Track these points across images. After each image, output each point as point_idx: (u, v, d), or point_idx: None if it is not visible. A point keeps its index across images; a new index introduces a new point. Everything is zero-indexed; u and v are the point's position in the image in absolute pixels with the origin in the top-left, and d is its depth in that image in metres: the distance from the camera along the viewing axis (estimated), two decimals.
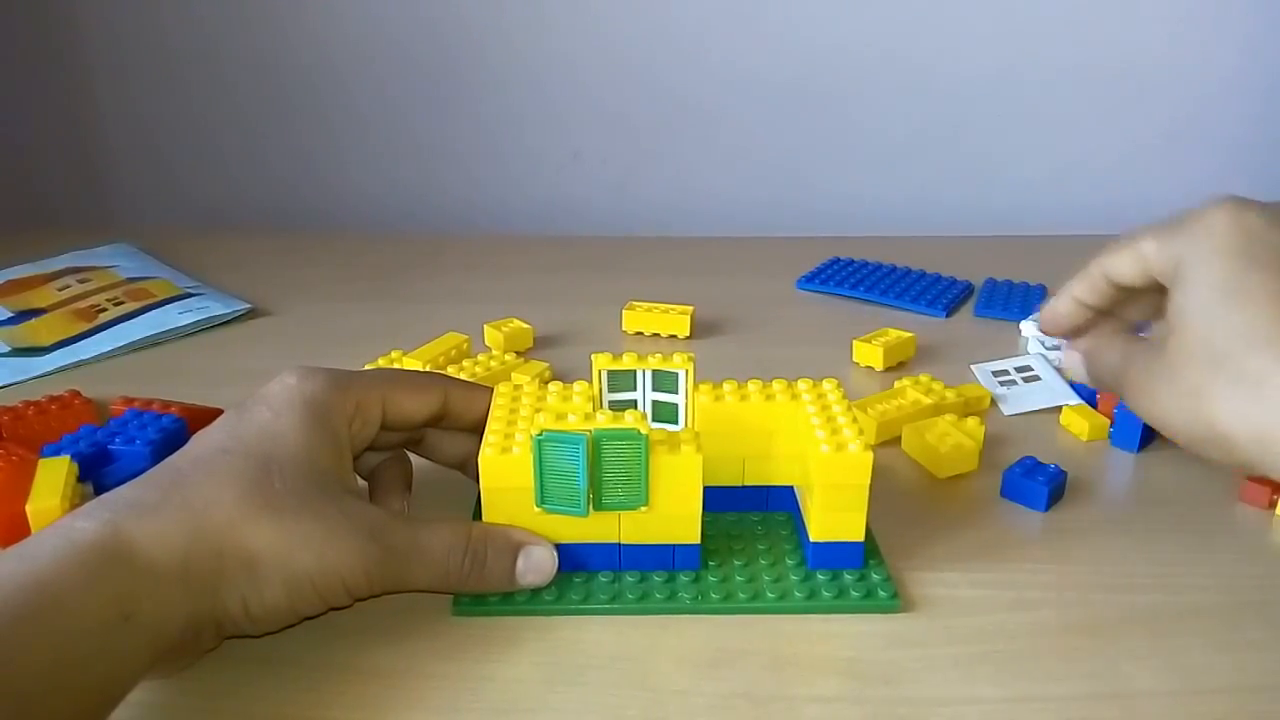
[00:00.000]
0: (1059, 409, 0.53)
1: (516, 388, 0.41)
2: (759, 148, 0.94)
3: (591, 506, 0.37)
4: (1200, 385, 0.33)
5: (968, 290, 0.72)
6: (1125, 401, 0.38)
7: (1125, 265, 0.37)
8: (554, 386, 0.41)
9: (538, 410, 0.38)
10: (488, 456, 0.36)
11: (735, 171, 0.95)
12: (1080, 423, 0.51)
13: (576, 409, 0.38)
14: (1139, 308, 0.41)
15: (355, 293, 0.74)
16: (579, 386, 0.41)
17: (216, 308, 0.68)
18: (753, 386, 0.42)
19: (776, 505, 0.43)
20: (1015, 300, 0.69)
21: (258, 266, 0.79)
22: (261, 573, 0.32)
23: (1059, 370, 0.45)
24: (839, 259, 0.78)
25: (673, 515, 0.37)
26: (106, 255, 0.78)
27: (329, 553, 0.33)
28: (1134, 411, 0.37)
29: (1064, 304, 0.41)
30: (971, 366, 0.59)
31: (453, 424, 0.42)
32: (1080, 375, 0.42)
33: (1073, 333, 0.42)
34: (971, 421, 0.49)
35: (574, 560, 0.38)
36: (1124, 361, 0.38)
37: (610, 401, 0.41)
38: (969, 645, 0.36)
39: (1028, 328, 0.62)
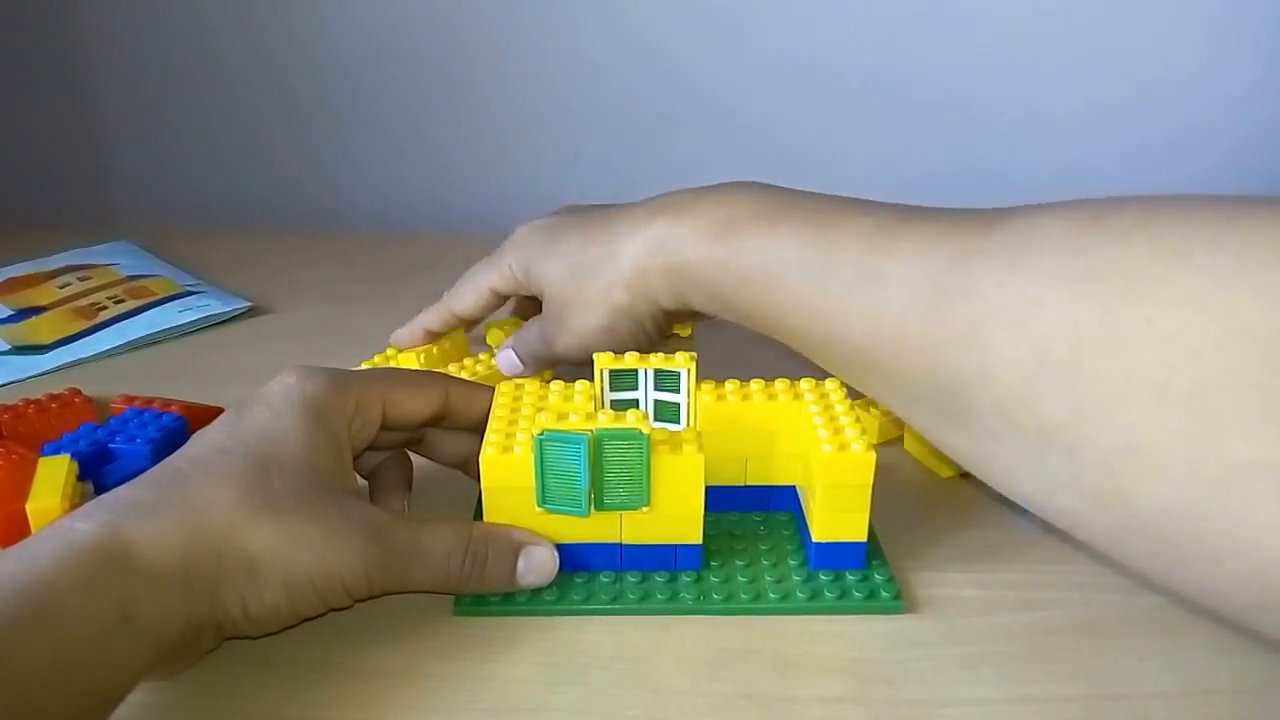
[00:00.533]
0: None
1: (518, 387, 0.41)
2: (761, 147, 0.94)
3: (593, 506, 0.37)
4: (581, 294, 0.46)
5: None
6: (558, 350, 0.48)
7: (471, 300, 0.53)
8: (555, 386, 0.41)
9: (539, 410, 0.38)
10: (489, 456, 0.36)
11: (739, 170, 0.94)
12: None
13: (578, 408, 0.38)
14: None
15: (357, 292, 0.74)
16: (580, 386, 0.41)
17: (217, 306, 0.68)
18: (755, 386, 0.41)
19: (779, 505, 0.43)
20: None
21: (259, 265, 0.79)
22: (261, 574, 0.32)
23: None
24: None
25: (674, 515, 0.37)
26: (107, 253, 0.78)
27: (329, 553, 0.33)
28: (564, 352, 0.48)
29: (418, 334, 0.56)
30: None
31: (453, 423, 0.42)
32: (516, 366, 0.51)
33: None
34: None
35: (575, 560, 0.38)
36: (540, 328, 0.49)
37: (612, 401, 0.41)
38: (972, 645, 0.36)
39: None
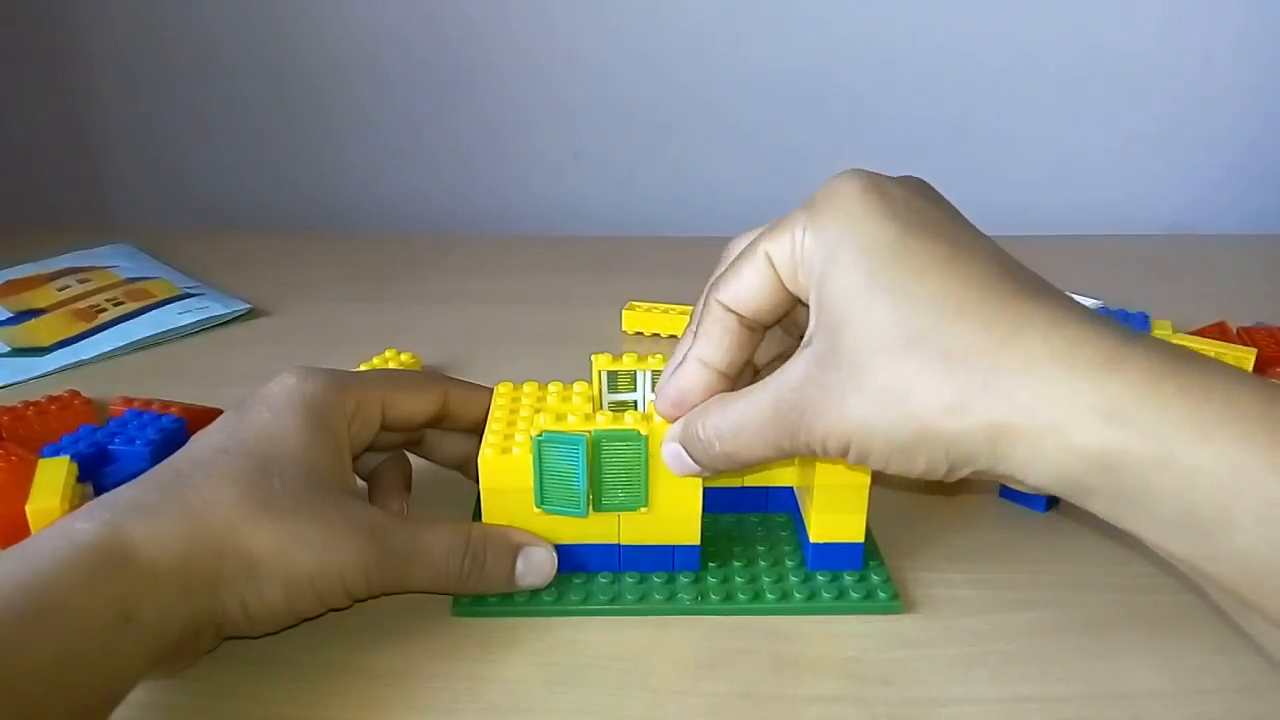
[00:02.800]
0: None
1: (516, 388, 0.41)
2: (760, 147, 0.94)
3: (591, 507, 0.37)
4: (899, 379, 0.27)
5: None
6: (797, 438, 0.30)
7: (751, 280, 0.31)
8: (554, 387, 0.41)
9: (537, 411, 0.38)
10: (487, 457, 0.36)
11: (737, 171, 0.95)
12: None
13: (576, 409, 0.38)
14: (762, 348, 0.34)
15: (355, 293, 0.74)
16: (579, 387, 0.41)
17: (216, 308, 0.68)
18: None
19: (776, 506, 0.43)
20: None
21: (258, 266, 0.79)
22: (261, 574, 0.32)
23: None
24: None
25: (672, 516, 0.37)
26: (106, 255, 0.78)
27: (328, 554, 0.33)
28: (817, 448, 0.30)
29: (691, 372, 0.33)
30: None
31: (452, 424, 0.42)
32: (689, 471, 0.34)
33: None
34: None
35: (573, 561, 0.38)
36: (779, 401, 0.30)
37: (610, 402, 0.41)
38: (969, 645, 0.36)
39: None
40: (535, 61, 0.93)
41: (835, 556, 0.39)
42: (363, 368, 0.56)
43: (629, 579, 0.38)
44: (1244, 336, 0.57)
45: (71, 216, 1.02)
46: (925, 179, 0.31)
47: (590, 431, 0.35)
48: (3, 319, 0.66)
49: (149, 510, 0.32)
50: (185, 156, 0.99)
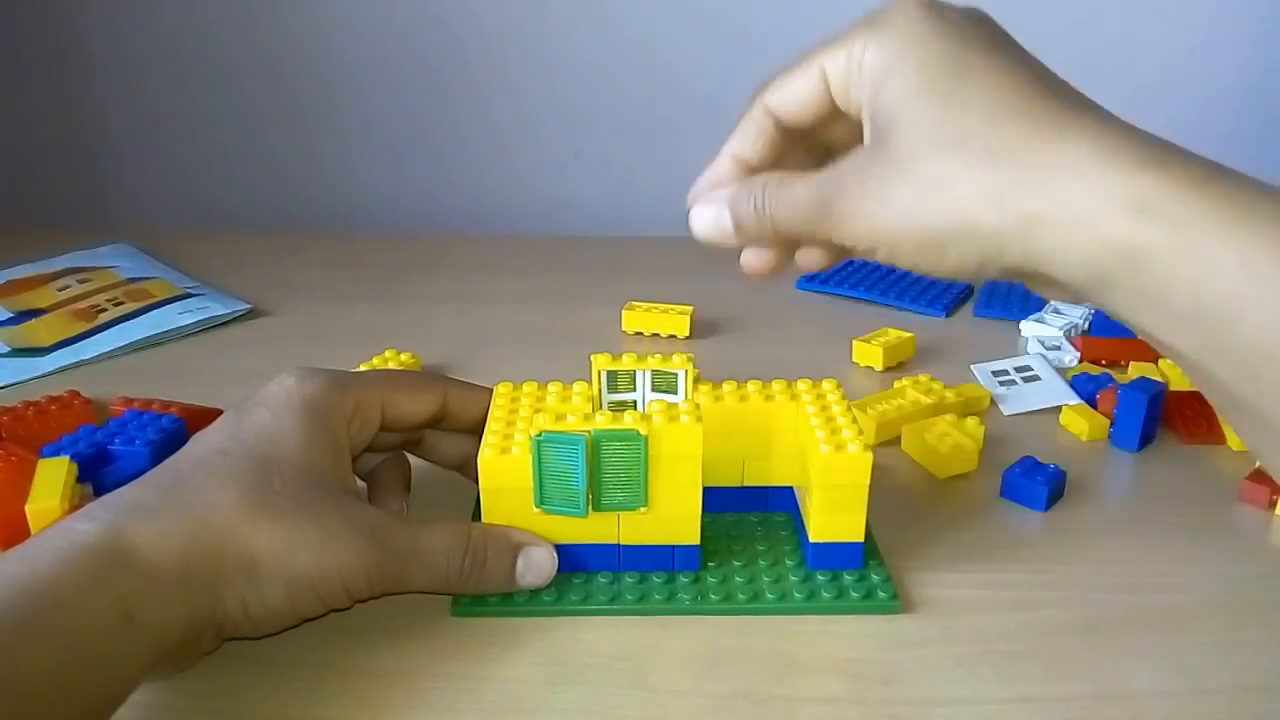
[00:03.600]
0: (1059, 409, 0.53)
1: (516, 388, 0.41)
2: None
3: (591, 507, 0.37)
4: (943, 172, 0.28)
5: (967, 290, 0.72)
6: (829, 227, 0.31)
7: (800, 88, 0.33)
8: (553, 387, 0.41)
9: (537, 411, 0.38)
10: (487, 457, 0.36)
11: None
12: (1080, 422, 0.51)
13: (575, 409, 0.38)
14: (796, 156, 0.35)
15: (356, 293, 0.74)
16: (578, 387, 0.41)
17: (216, 308, 0.68)
18: (752, 387, 0.42)
19: (776, 506, 0.43)
20: (1015, 300, 0.69)
21: (258, 267, 0.79)
22: (261, 575, 0.32)
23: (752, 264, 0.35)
24: None
25: (672, 516, 0.37)
26: (106, 255, 0.78)
27: (328, 554, 0.33)
28: (846, 233, 0.31)
29: (724, 166, 0.35)
30: (971, 367, 0.59)
31: (452, 425, 0.42)
32: (718, 230, 0.34)
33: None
34: (971, 421, 0.49)
35: (573, 561, 0.38)
36: (823, 182, 0.31)
37: (610, 402, 0.41)
38: (969, 645, 0.36)
39: (1028, 328, 0.62)
40: (536, 61, 0.93)
41: (835, 556, 0.39)
42: (363, 368, 0.56)
43: (629, 579, 0.38)
44: None
45: (71, 216, 1.02)
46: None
47: (590, 431, 0.35)
48: (3, 319, 0.66)
49: (150, 511, 0.32)
50: (185, 156, 0.99)
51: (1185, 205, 0.26)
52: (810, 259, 0.35)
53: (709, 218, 0.34)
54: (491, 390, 0.41)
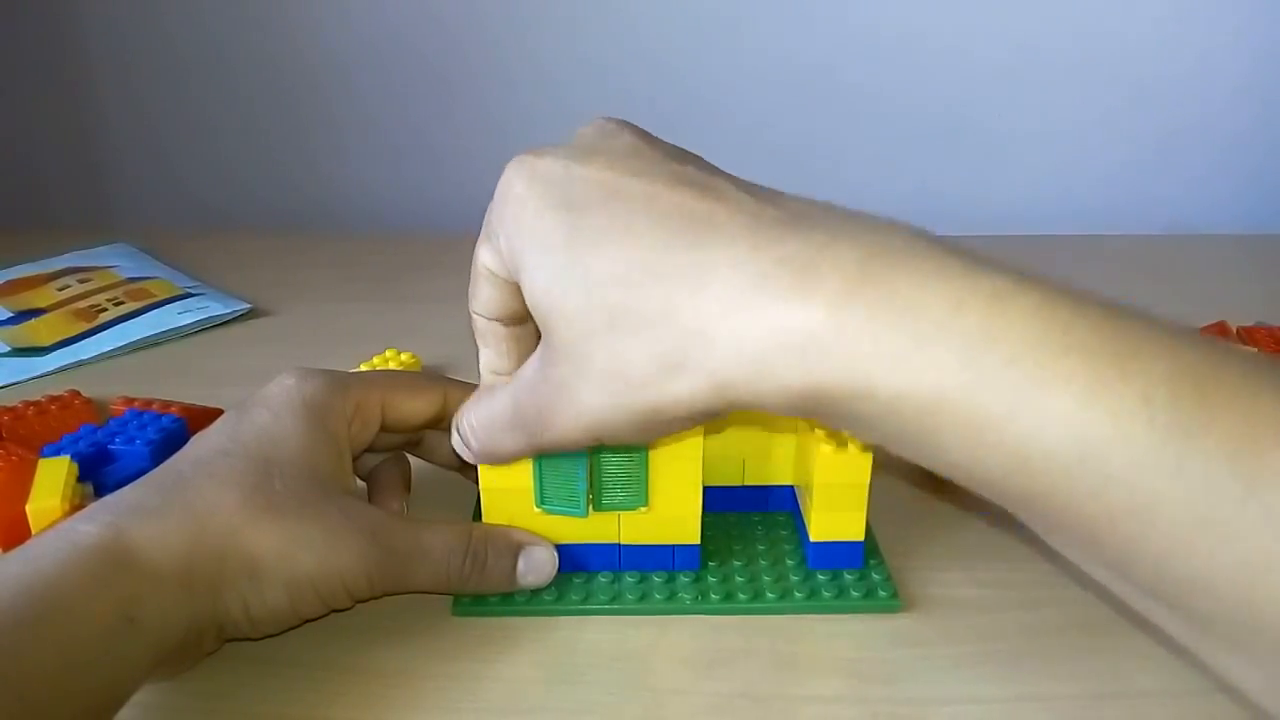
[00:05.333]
0: None
1: None
2: (763, 145, 0.94)
3: (591, 507, 0.37)
4: (614, 359, 0.27)
5: None
6: (540, 437, 0.30)
7: (487, 294, 0.33)
8: None
9: None
10: None
11: (738, 169, 0.94)
12: None
13: None
14: None
15: (356, 293, 0.74)
16: None
17: (217, 308, 0.68)
18: None
19: (776, 505, 0.43)
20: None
21: (258, 266, 0.79)
22: (263, 575, 0.32)
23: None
24: None
25: (672, 515, 0.37)
26: (106, 255, 0.78)
27: (330, 555, 0.33)
28: (565, 442, 0.30)
29: (491, 385, 0.34)
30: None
31: None
32: (467, 455, 0.35)
33: None
34: None
35: (574, 561, 0.38)
36: (514, 400, 0.31)
37: None
38: (970, 645, 0.36)
39: None
40: (536, 62, 0.93)
41: (835, 555, 0.39)
42: (363, 368, 0.56)
43: (629, 578, 0.38)
44: (1244, 336, 0.57)
45: (71, 216, 1.02)
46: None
47: None
48: (3, 319, 0.66)
49: (151, 512, 0.32)
50: (185, 156, 0.99)
51: (840, 335, 0.24)
52: None
53: (457, 445, 0.35)
54: None
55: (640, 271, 0.26)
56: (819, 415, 0.26)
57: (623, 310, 0.27)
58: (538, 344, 0.31)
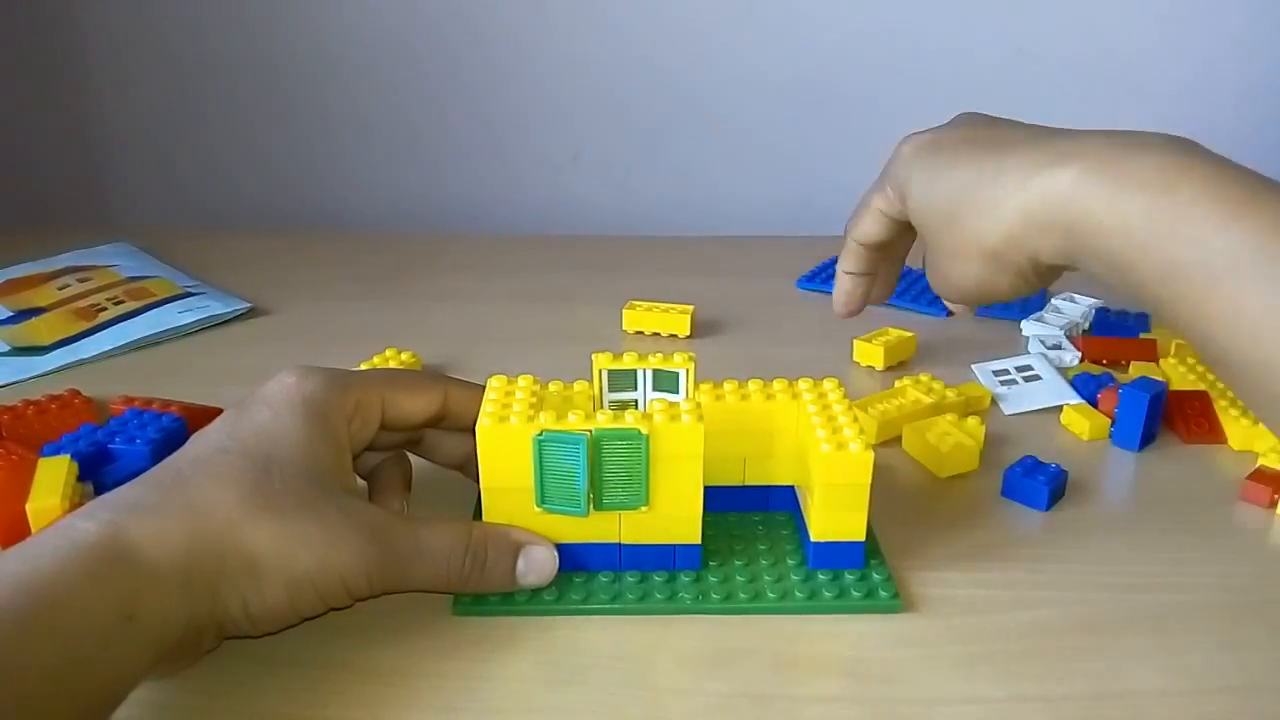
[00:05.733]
0: (1059, 408, 0.53)
1: (510, 381, 0.41)
2: (760, 147, 0.94)
3: (592, 506, 0.37)
4: (957, 241, 0.40)
5: None
6: (940, 294, 0.44)
7: (869, 226, 0.46)
8: (554, 386, 0.41)
9: (535, 409, 0.37)
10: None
11: (736, 171, 0.95)
12: (1081, 422, 0.51)
13: (577, 407, 0.38)
14: (902, 245, 0.48)
15: (355, 292, 0.74)
16: (579, 386, 0.41)
17: (216, 307, 0.68)
18: (753, 386, 0.41)
19: (777, 505, 0.43)
20: (1015, 300, 0.69)
21: (258, 266, 0.79)
22: (262, 573, 0.32)
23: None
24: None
25: (673, 515, 0.37)
26: (106, 254, 0.78)
27: (329, 553, 0.33)
28: (945, 298, 0.44)
29: (846, 284, 0.49)
30: (972, 366, 0.59)
31: (453, 424, 0.42)
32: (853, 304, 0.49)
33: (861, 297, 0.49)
34: (972, 421, 0.49)
35: (574, 560, 0.38)
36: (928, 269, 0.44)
37: (610, 401, 0.41)
38: (970, 645, 0.36)
39: (1029, 327, 0.62)
40: (534, 62, 0.93)
41: (836, 555, 0.39)
42: (363, 367, 0.56)
43: (630, 578, 0.38)
44: None
45: (71, 216, 1.02)
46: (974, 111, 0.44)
47: (591, 430, 0.35)
48: (3, 318, 0.66)
49: (150, 510, 0.32)
50: (185, 156, 0.99)
51: (1084, 187, 0.35)
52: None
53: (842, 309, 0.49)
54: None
55: (969, 178, 0.39)
56: (1069, 252, 0.37)
57: (960, 204, 0.39)
58: (876, 265, 0.48)
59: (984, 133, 0.41)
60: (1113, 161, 0.35)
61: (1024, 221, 0.37)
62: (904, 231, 0.46)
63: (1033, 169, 0.37)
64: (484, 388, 0.42)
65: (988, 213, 0.38)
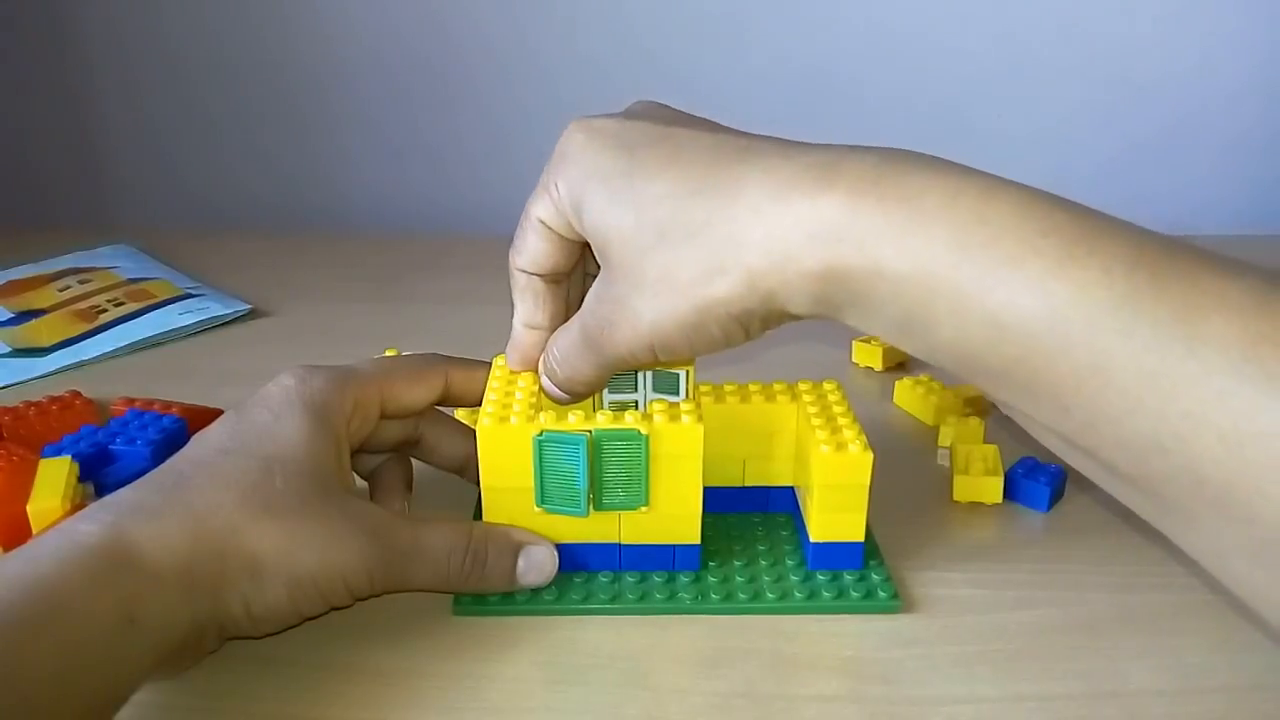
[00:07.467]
0: None
1: None
2: None
3: (592, 506, 0.37)
4: (664, 269, 0.30)
5: None
6: (608, 348, 0.33)
7: (536, 247, 0.36)
8: None
9: (537, 409, 0.37)
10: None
11: None
12: None
13: (576, 409, 0.38)
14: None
15: (356, 293, 0.74)
16: None
17: (217, 308, 0.68)
18: (753, 387, 0.42)
19: (777, 506, 0.43)
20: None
21: (258, 267, 0.79)
22: (264, 574, 0.32)
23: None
24: None
25: (673, 515, 0.37)
26: (107, 256, 0.78)
27: (331, 553, 0.33)
28: (623, 353, 0.33)
29: (523, 338, 0.38)
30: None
31: (457, 403, 0.42)
32: (556, 395, 0.38)
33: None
34: (993, 453, 0.47)
35: (574, 560, 0.38)
36: (582, 324, 0.34)
37: (610, 402, 0.41)
38: (969, 645, 0.36)
39: None
40: (537, 63, 0.93)
41: (835, 556, 0.39)
42: None
43: (629, 578, 0.38)
44: None
45: (71, 217, 1.02)
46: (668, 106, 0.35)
47: (591, 431, 0.35)
48: (4, 319, 0.66)
49: (152, 512, 0.32)
50: (185, 156, 0.99)
51: (865, 223, 0.28)
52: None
53: (546, 390, 0.38)
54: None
55: (685, 189, 0.30)
56: (834, 304, 0.29)
57: (670, 224, 0.30)
58: (567, 300, 0.37)
59: (688, 131, 0.32)
60: (887, 183, 0.28)
61: (771, 261, 0.29)
62: (582, 252, 0.36)
63: (783, 188, 0.29)
64: (487, 365, 0.42)
65: (719, 243, 0.29)
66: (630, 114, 0.34)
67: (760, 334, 0.32)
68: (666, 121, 0.33)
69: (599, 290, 0.33)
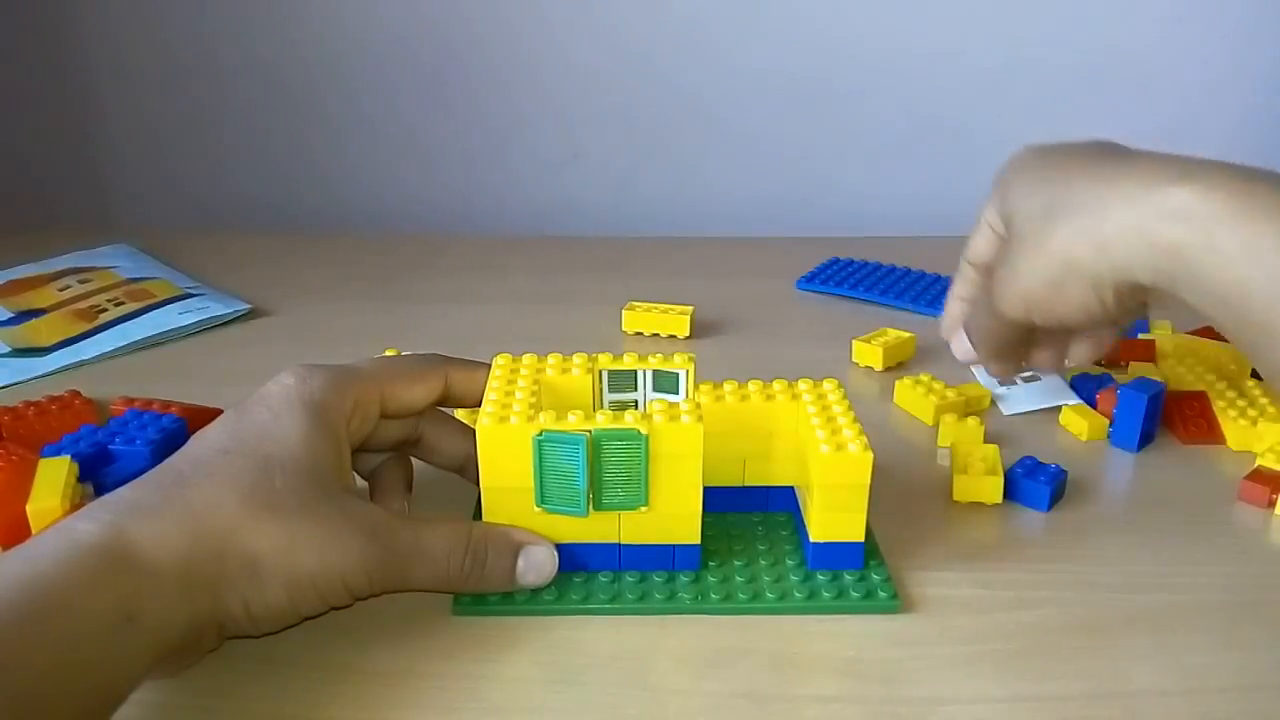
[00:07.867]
0: (1058, 409, 0.53)
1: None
2: (759, 148, 0.94)
3: (591, 506, 0.37)
4: (1043, 236, 0.37)
5: None
6: (998, 304, 0.40)
7: (978, 242, 0.43)
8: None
9: (536, 410, 0.37)
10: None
11: (735, 171, 0.95)
12: (1079, 422, 0.51)
13: (576, 401, 0.38)
14: None
15: (355, 293, 0.74)
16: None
17: (216, 308, 0.68)
18: (753, 387, 0.42)
19: (777, 506, 0.43)
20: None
21: (257, 267, 0.79)
22: (263, 574, 0.32)
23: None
24: (839, 259, 0.78)
25: (673, 515, 0.37)
26: (107, 256, 0.78)
27: (330, 553, 0.33)
28: (1003, 306, 0.39)
29: (953, 309, 0.46)
30: (971, 367, 0.58)
31: (457, 403, 0.42)
32: (967, 352, 0.45)
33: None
34: (993, 453, 0.47)
35: (574, 560, 0.38)
36: (985, 291, 0.42)
37: (610, 402, 0.41)
38: (969, 645, 0.36)
39: None
40: (535, 63, 0.93)
41: (835, 556, 0.39)
42: None
43: (629, 578, 0.38)
44: None
45: (71, 217, 1.02)
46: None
47: (591, 431, 0.35)
48: (3, 319, 0.66)
49: (151, 511, 0.32)
50: (185, 157, 0.99)
51: (1206, 205, 0.33)
52: (1043, 360, 0.44)
53: (958, 351, 0.45)
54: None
55: (1080, 178, 0.37)
56: (1171, 276, 0.34)
57: (1058, 203, 0.37)
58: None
59: (1107, 148, 0.39)
60: (1239, 184, 0.33)
61: (1127, 231, 0.34)
62: None
63: (1151, 181, 0.34)
64: (487, 365, 0.42)
65: (1090, 215, 0.35)
66: (1076, 141, 0.41)
67: (1117, 310, 0.37)
68: (1097, 144, 0.40)
69: (998, 258, 0.40)
